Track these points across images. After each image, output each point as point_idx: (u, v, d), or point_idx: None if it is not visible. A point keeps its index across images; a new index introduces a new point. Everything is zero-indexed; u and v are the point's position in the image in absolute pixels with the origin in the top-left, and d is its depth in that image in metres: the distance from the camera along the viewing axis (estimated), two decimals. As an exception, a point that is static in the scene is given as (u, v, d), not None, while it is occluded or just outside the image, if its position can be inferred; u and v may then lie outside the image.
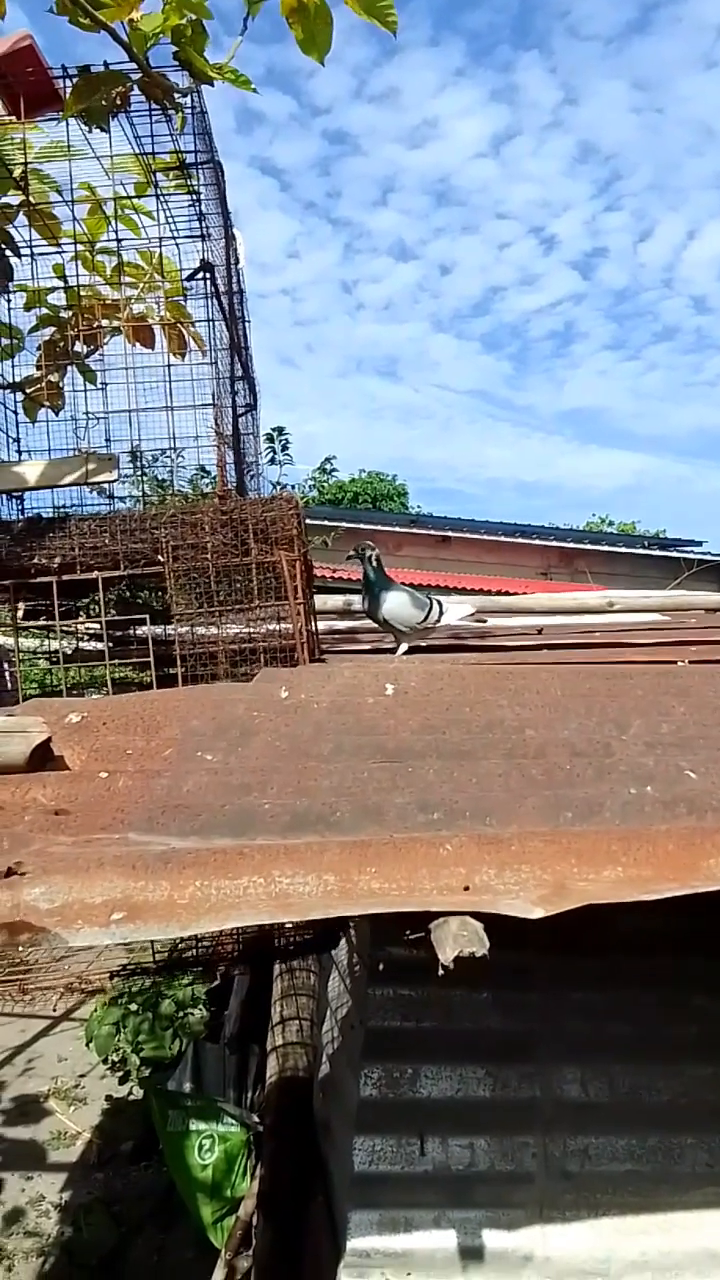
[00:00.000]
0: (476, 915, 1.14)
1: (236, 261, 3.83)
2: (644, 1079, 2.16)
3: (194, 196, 2.94)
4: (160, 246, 3.17)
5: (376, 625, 3.52)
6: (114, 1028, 5.70)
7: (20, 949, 1.08)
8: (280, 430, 13.76)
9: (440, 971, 1.08)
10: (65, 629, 3.51)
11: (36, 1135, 5.53)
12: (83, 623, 3.31)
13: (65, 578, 2.51)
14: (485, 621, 4.49)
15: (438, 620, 3.46)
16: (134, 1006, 5.65)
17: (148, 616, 2.63)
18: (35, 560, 2.51)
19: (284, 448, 14.38)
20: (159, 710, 1.86)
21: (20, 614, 3.00)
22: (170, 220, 3.31)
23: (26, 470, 2.88)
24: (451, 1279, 2.07)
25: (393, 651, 3.57)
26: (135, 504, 4.10)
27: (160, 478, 5.85)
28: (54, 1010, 6.91)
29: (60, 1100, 5.89)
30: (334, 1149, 2.82)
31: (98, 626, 3.79)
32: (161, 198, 3.23)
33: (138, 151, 2.91)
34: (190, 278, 3.03)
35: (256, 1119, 4.20)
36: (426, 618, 3.41)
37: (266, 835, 1.34)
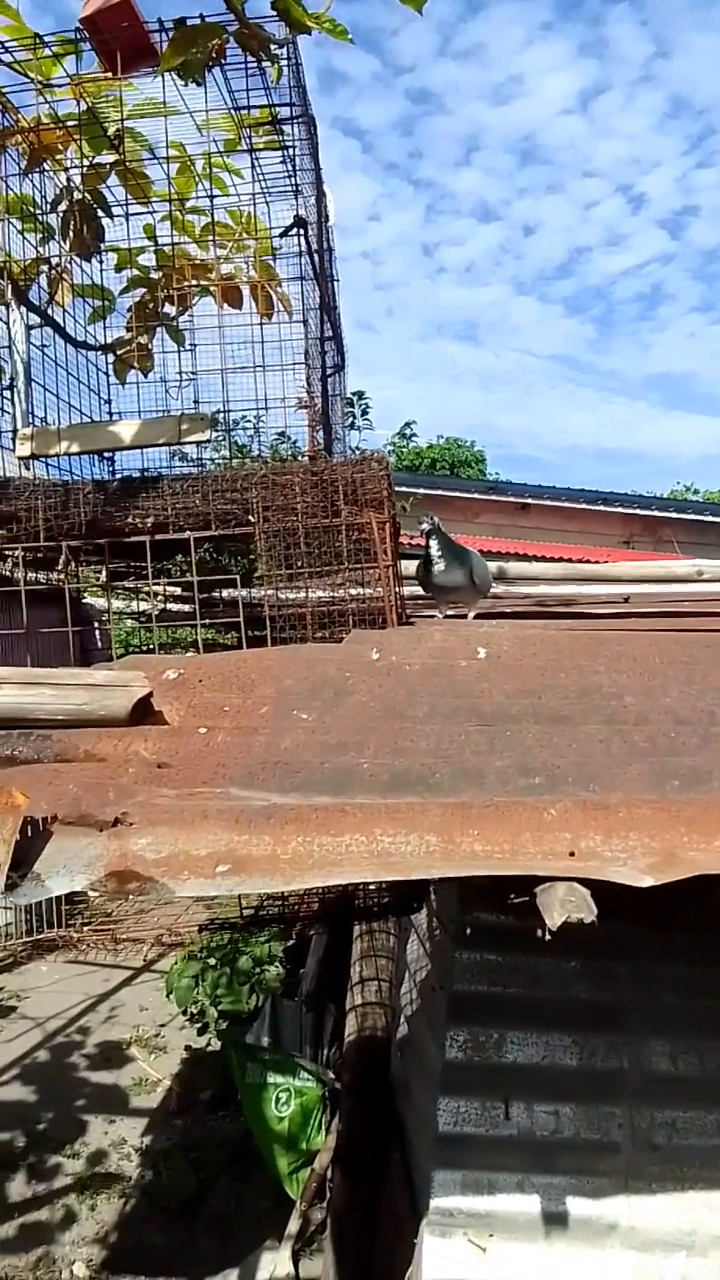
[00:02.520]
0: (582, 882, 1.12)
1: (327, 219, 3.78)
2: (735, 1055, 2.12)
3: (287, 152, 2.90)
4: (253, 205, 3.14)
5: (444, 591, 3.41)
6: (193, 981, 5.83)
7: (126, 899, 1.10)
8: (360, 395, 13.65)
9: (547, 936, 1.06)
10: (152, 590, 3.56)
11: (119, 1081, 5.70)
12: (168, 583, 3.35)
13: (158, 537, 2.53)
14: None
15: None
16: (213, 961, 5.78)
17: (237, 579, 2.64)
18: (129, 520, 2.54)
19: (364, 413, 14.28)
20: (253, 669, 1.86)
21: (104, 577, 3.04)
22: (261, 178, 3.28)
23: (121, 430, 2.90)
24: (534, 1243, 2.08)
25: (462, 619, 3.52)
26: (220, 467, 4.12)
27: (242, 443, 5.87)
28: (143, 960, 7.10)
29: (141, 1048, 6.06)
30: (412, 1109, 2.84)
31: (180, 590, 3.83)
32: (254, 155, 3.20)
33: (231, 106, 2.88)
34: (283, 234, 3.00)
35: (332, 1075, 4.26)
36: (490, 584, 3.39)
37: (366, 794, 1.34)
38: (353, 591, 2.56)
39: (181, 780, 1.39)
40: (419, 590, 3.93)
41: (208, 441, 2.85)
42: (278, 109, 2.98)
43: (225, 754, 1.48)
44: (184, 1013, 6.05)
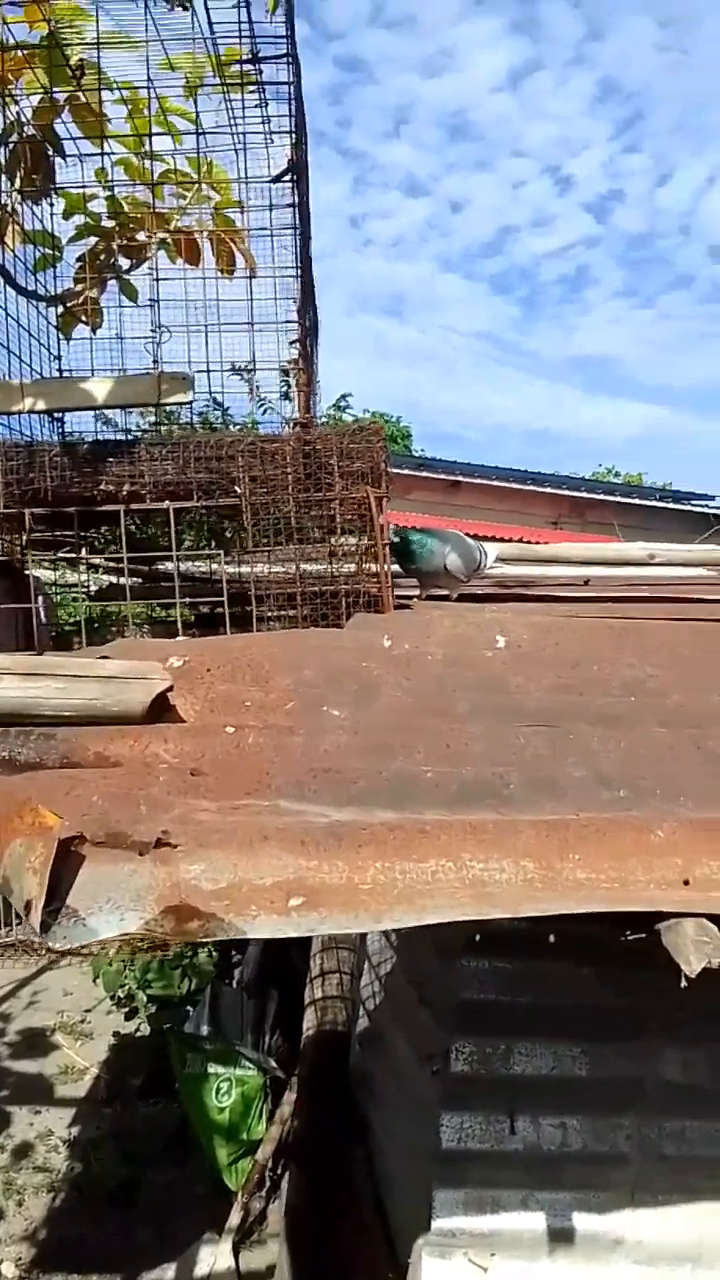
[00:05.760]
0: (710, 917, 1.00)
1: (306, 169, 3.55)
2: (746, 1063, 2.06)
3: (281, 88, 2.67)
4: (234, 152, 2.90)
5: (423, 576, 3.26)
6: (122, 964, 5.63)
7: (184, 944, 0.92)
8: (296, 363, 13.31)
9: (683, 984, 0.93)
10: (109, 564, 3.33)
11: (44, 1069, 5.47)
12: (134, 556, 3.11)
13: (134, 507, 2.31)
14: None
15: (484, 564, 3.26)
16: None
17: (220, 553, 2.44)
18: (102, 488, 2.31)
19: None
20: (262, 657, 1.68)
21: (70, 550, 2.81)
22: (235, 122, 3.03)
23: (94, 387, 2.65)
24: (538, 1260, 1.98)
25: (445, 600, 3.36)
26: (187, 432, 3.87)
27: (225, 406, 5.55)
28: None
29: (67, 1035, 5.83)
30: (375, 1103, 2.74)
31: (131, 561, 3.58)
32: (227, 100, 2.95)
33: (210, 37, 2.63)
34: (276, 179, 2.76)
35: (274, 1064, 4.15)
36: (479, 565, 3.21)
37: (433, 808, 1.18)
38: (345, 569, 2.39)
39: (220, 790, 1.21)
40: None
41: (189, 403, 2.63)
42: (259, 47, 2.75)
43: (262, 758, 1.30)
44: (112, 998, 5.85)
